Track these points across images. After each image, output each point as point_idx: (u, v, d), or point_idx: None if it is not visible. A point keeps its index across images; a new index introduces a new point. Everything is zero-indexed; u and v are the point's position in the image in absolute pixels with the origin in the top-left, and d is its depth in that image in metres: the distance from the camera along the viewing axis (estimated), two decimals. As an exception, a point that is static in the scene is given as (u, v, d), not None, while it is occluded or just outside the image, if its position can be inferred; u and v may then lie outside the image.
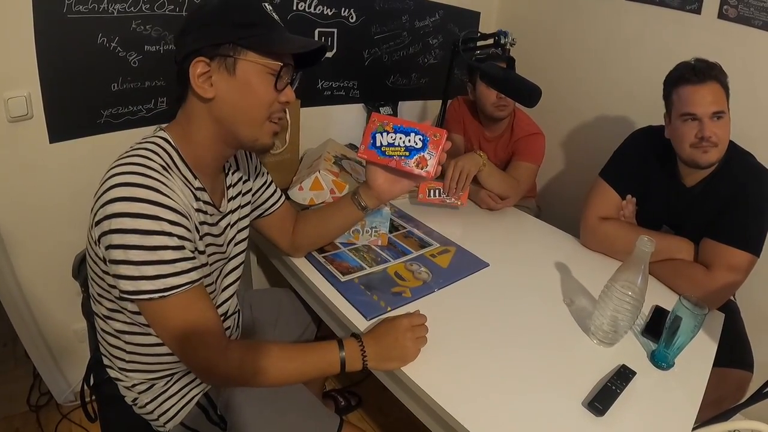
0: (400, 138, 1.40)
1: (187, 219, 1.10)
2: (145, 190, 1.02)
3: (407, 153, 1.40)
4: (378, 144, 1.42)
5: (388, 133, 1.42)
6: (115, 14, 1.81)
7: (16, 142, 1.74)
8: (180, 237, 1.07)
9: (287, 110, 1.97)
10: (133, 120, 2.00)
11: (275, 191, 1.60)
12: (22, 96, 1.70)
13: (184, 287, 1.07)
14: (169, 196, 1.05)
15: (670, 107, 1.76)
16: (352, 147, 2.59)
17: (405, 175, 1.44)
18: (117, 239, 1.00)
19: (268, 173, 1.60)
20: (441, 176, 1.72)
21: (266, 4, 1.19)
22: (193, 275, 1.09)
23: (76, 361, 2.16)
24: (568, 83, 3.06)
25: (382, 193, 1.49)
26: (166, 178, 1.08)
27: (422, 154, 1.39)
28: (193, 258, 1.11)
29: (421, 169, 1.38)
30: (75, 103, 1.84)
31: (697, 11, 2.42)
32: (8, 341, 2.55)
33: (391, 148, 1.41)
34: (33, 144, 1.79)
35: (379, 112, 2.83)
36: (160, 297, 1.04)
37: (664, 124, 1.83)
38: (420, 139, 1.39)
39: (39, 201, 1.87)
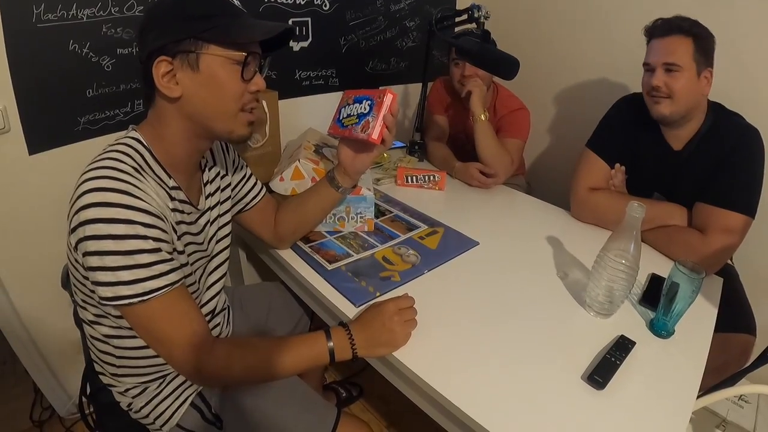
0: (355, 107, 1.41)
1: (162, 220, 1.08)
2: (117, 194, 1.00)
3: (356, 120, 1.40)
4: (340, 117, 1.45)
5: (348, 104, 1.44)
6: (85, 19, 1.78)
7: None
8: (155, 239, 1.05)
9: (264, 102, 1.95)
10: (111, 125, 1.97)
11: (255, 184, 1.59)
12: None
13: (163, 290, 1.05)
14: (141, 199, 1.03)
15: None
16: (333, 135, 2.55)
17: (365, 145, 1.42)
18: (92, 245, 0.99)
19: (246, 166, 1.58)
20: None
21: None
22: (172, 277, 1.08)
23: (74, 372, 2.12)
24: (550, 55, 3.03)
25: (348, 168, 1.49)
26: (138, 180, 1.06)
27: (368, 118, 1.36)
28: (171, 259, 1.09)
29: (364, 132, 1.36)
30: (52, 113, 1.82)
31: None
32: (7, 359, 2.53)
33: (348, 119, 1.42)
34: (12, 157, 1.76)
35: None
36: (140, 301, 1.03)
37: None
38: (368, 104, 1.38)
39: (23, 214, 1.85)
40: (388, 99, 1.33)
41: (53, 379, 2.14)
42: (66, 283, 1.36)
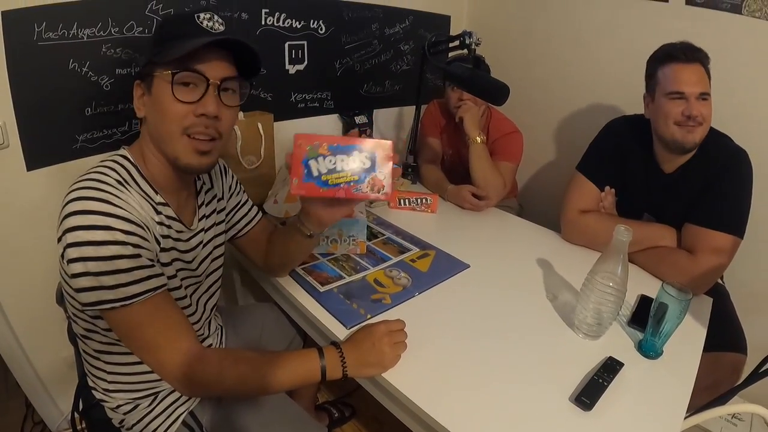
0: (342, 160, 1.18)
1: (144, 229, 1.10)
2: (97, 202, 1.03)
3: (356, 177, 1.19)
4: (315, 174, 1.18)
5: (324, 157, 1.18)
6: (85, 39, 1.81)
7: None
8: (135, 245, 1.06)
9: (260, 124, 1.95)
10: (108, 143, 1.99)
11: (249, 211, 1.60)
12: None
13: (144, 295, 1.07)
14: (121, 207, 1.06)
15: (654, 86, 1.76)
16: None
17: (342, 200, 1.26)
18: (74, 252, 1.01)
19: (244, 192, 1.59)
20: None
21: (201, 14, 1.16)
22: (153, 282, 1.10)
23: (67, 388, 2.12)
24: (542, 80, 3.07)
25: (323, 219, 1.33)
26: (120, 191, 1.09)
27: (374, 174, 1.19)
28: (152, 266, 1.11)
29: (378, 192, 1.19)
30: (50, 130, 1.84)
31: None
32: None
33: (335, 175, 1.18)
34: (10, 173, 1.78)
35: (354, 122, 2.84)
36: (122, 305, 1.05)
37: (637, 113, 1.84)
38: (367, 156, 1.19)
39: (19, 229, 1.86)
40: (392, 150, 1.20)
41: (45, 394, 2.13)
42: (60, 299, 1.36)
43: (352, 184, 1.18)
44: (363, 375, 1.26)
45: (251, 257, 1.64)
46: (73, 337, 1.35)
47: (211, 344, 1.49)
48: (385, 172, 1.19)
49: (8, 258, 1.85)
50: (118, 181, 1.10)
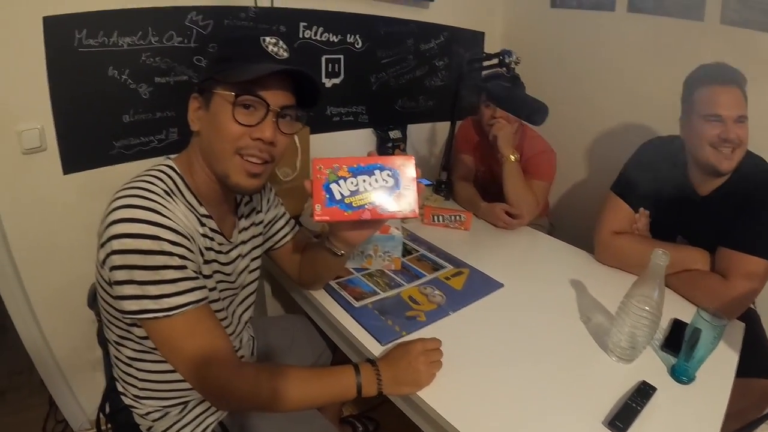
0: (364, 180, 1.16)
1: (189, 240, 1.11)
2: (145, 211, 1.04)
3: (380, 196, 1.17)
4: (338, 197, 1.16)
5: (345, 179, 1.16)
6: (125, 47, 1.85)
7: (30, 173, 1.79)
8: (181, 257, 1.07)
9: (296, 136, 1.95)
10: (145, 150, 2.03)
11: (286, 224, 1.61)
12: (36, 128, 1.74)
13: (188, 306, 1.07)
14: (169, 218, 1.07)
15: (690, 108, 1.74)
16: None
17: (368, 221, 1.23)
18: (119, 260, 1.02)
19: (281, 205, 1.60)
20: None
21: (267, 38, 1.17)
22: (198, 294, 1.10)
23: (91, 388, 2.17)
24: (576, 98, 3.06)
25: (350, 239, 1.32)
26: (168, 201, 1.10)
27: (398, 191, 1.17)
28: (196, 278, 1.12)
29: (405, 209, 1.18)
30: (87, 135, 1.88)
31: (700, 18, 2.42)
32: (24, 370, 2.55)
33: (358, 197, 1.16)
34: (47, 176, 1.83)
35: (388, 136, 2.86)
36: (165, 316, 1.05)
37: (671, 134, 1.82)
38: (389, 174, 1.17)
39: (53, 231, 1.90)
40: (414, 165, 1.18)
41: (69, 393, 2.16)
42: (92, 302, 1.38)
43: (377, 203, 1.17)
44: (398, 393, 1.27)
45: (286, 270, 1.65)
46: (102, 340, 1.37)
47: (242, 356, 1.50)
48: (409, 188, 1.17)
49: (41, 259, 1.89)
50: (166, 192, 1.12)
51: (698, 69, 1.74)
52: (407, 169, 1.17)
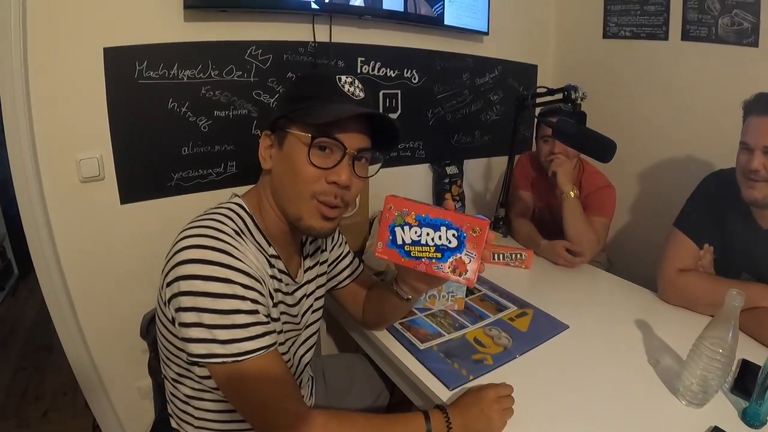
0: (428, 234, 1.15)
1: (261, 284, 1.09)
2: (217, 253, 1.02)
3: (439, 254, 1.15)
4: (399, 242, 1.17)
5: (410, 226, 1.15)
6: (185, 80, 1.90)
7: (87, 202, 1.83)
8: (253, 301, 1.05)
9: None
10: (203, 183, 2.05)
11: (351, 263, 1.59)
12: (95, 157, 1.79)
13: (258, 352, 1.04)
14: (241, 260, 1.04)
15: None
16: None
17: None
18: (188, 302, 1.00)
19: (346, 243, 1.59)
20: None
21: (343, 77, 1.17)
22: (268, 340, 1.06)
23: (138, 416, 2.17)
24: (630, 131, 3.02)
25: (417, 287, 1.32)
26: (239, 242, 1.08)
27: (458, 255, 1.14)
28: (267, 323, 1.09)
29: (460, 275, 1.15)
30: (146, 166, 1.92)
31: (755, 44, 2.42)
32: (68, 391, 2.63)
33: (418, 248, 1.16)
34: (104, 205, 1.87)
35: (446, 172, 2.85)
36: (234, 362, 1.02)
37: (733, 166, 1.78)
38: (454, 234, 1.14)
39: (109, 260, 1.93)
40: (486, 233, 1.13)
41: (114, 419, 2.16)
42: (145, 332, 1.39)
43: (433, 261, 1.15)
44: None
45: (349, 309, 1.63)
46: (153, 369, 1.36)
47: (303, 395, 1.48)
48: (471, 255, 1.14)
49: (95, 285, 1.92)
50: (236, 231, 1.10)
51: (753, 96, 1.70)
52: (475, 235, 1.13)
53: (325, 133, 1.12)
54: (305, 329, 1.43)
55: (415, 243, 1.16)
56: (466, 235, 1.13)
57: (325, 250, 1.50)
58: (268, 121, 1.20)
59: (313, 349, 1.50)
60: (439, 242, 1.14)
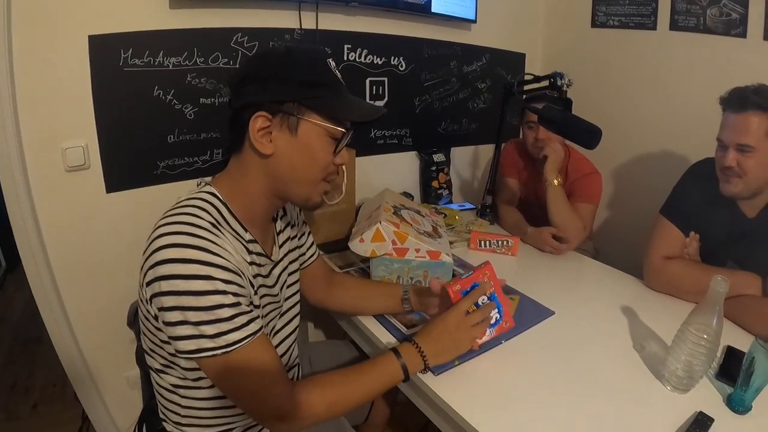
0: (483, 301, 1.42)
1: (240, 276, 1.09)
2: (195, 250, 1.01)
3: (490, 321, 1.43)
4: (462, 295, 1.40)
5: (486, 298, 1.43)
6: (171, 67, 1.89)
7: (73, 191, 1.82)
8: (234, 294, 1.05)
9: (344, 166, 1.98)
10: (189, 171, 2.06)
11: (313, 243, 1.61)
12: (80, 146, 1.79)
13: (246, 340, 1.05)
14: (220, 255, 1.04)
15: None
16: (407, 195, 2.58)
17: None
18: (170, 301, 1.01)
19: (305, 224, 1.60)
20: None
21: (330, 61, 1.18)
22: (253, 326, 1.08)
23: (127, 407, 2.18)
24: (619, 119, 3.03)
25: (426, 310, 1.59)
26: (216, 236, 1.06)
27: (500, 324, 1.46)
28: (250, 311, 1.09)
29: (505, 324, 1.48)
30: (131, 154, 1.91)
31: (743, 35, 2.43)
32: (57, 383, 2.62)
33: (474, 308, 1.39)
34: (90, 193, 1.86)
35: (432, 160, 2.86)
36: (224, 353, 1.03)
37: None
38: (497, 315, 1.45)
39: (95, 249, 1.93)
40: (509, 326, 1.48)
41: (104, 409, 2.17)
42: (132, 321, 1.40)
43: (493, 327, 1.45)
44: (443, 362, 1.35)
45: (308, 291, 1.62)
46: (140, 359, 1.35)
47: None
48: (491, 332, 1.45)
49: (82, 275, 1.92)
50: (212, 224, 1.08)
51: (727, 92, 1.70)
52: (506, 326, 1.49)
53: (350, 126, 1.19)
54: (284, 301, 1.43)
55: (476, 305, 1.41)
56: (500, 321, 1.46)
57: (295, 225, 1.50)
58: (259, 100, 1.13)
59: (296, 332, 1.50)
60: (492, 313, 1.43)
